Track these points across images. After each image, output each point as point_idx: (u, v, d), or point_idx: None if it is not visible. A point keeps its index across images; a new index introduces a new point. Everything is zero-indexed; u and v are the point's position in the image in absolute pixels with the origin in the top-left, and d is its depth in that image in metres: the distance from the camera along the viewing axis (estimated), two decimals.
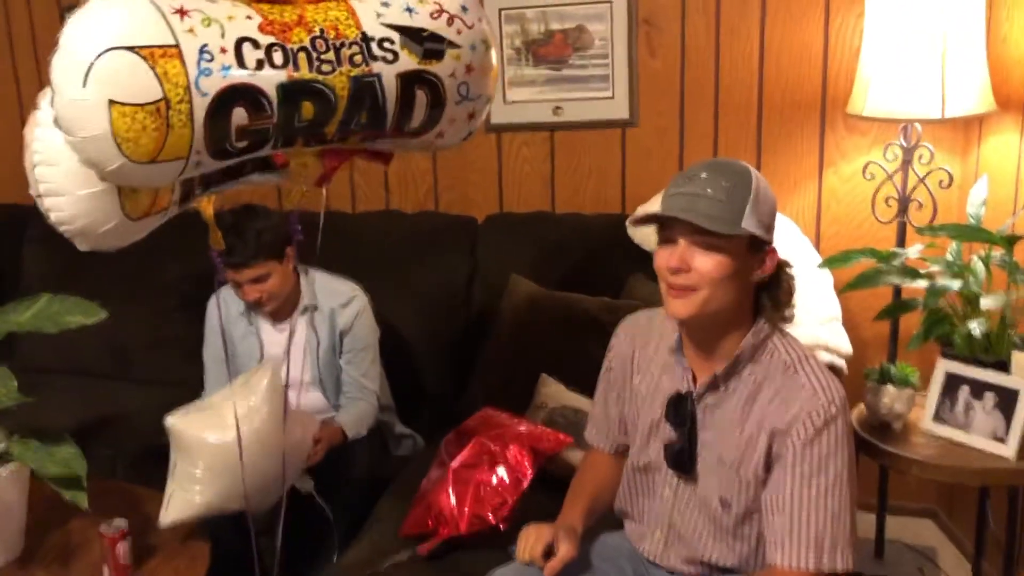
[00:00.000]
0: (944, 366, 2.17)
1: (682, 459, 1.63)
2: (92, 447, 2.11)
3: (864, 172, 2.63)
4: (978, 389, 2.09)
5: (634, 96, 2.92)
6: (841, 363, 2.44)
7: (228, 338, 2.49)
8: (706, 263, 1.49)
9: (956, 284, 2.15)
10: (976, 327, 2.10)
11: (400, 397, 2.73)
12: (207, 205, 1.69)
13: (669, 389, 1.66)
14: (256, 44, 1.34)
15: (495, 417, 2.15)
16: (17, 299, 2.06)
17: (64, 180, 1.37)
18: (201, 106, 1.29)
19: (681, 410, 1.63)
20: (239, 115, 1.33)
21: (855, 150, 2.75)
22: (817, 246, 2.78)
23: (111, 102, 1.24)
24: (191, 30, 1.30)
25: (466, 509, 1.90)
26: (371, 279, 2.65)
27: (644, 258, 2.70)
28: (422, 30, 1.51)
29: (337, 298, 2.49)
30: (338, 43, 1.42)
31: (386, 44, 1.47)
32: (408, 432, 2.68)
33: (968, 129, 2.64)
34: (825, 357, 2.41)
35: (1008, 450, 2.02)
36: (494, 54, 1.66)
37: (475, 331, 2.80)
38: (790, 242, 2.64)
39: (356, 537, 2.13)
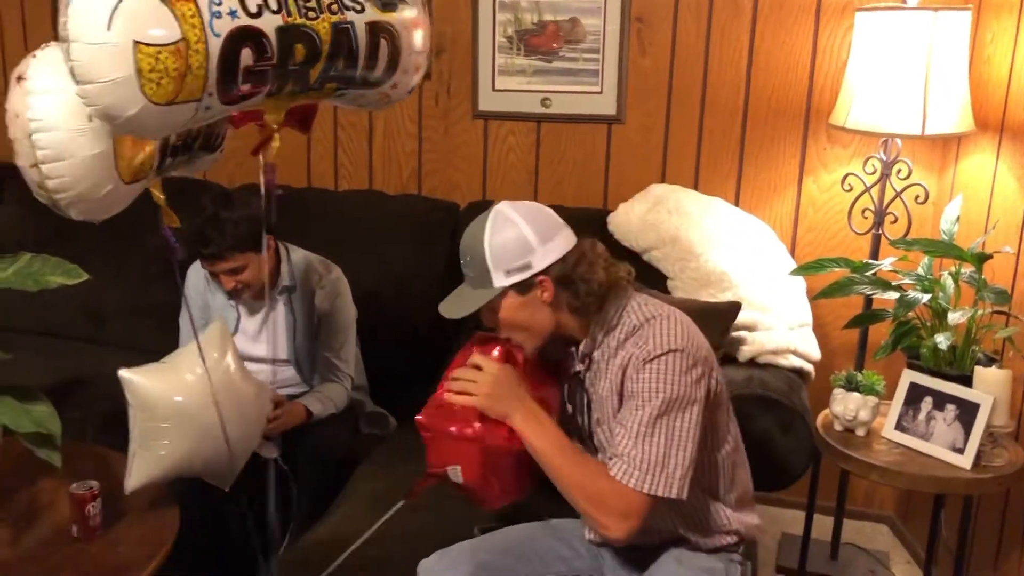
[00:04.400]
0: (909, 377, 2.22)
1: (578, 434, 1.78)
2: (62, 409, 2.09)
3: (843, 183, 2.68)
4: (940, 401, 2.15)
5: (622, 93, 2.95)
6: (809, 368, 2.49)
7: (206, 307, 2.49)
8: (493, 320, 1.72)
9: (925, 297, 2.20)
10: (942, 340, 2.16)
11: (373, 376, 2.75)
12: (156, 186, 1.72)
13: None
14: None
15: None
16: None
17: (66, 144, 1.37)
18: (215, 46, 1.35)
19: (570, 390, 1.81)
20: (246, 56, 1.40)
21: (835, 161, 2.81)
22: (792, 252, 2.84)
23: (136, 43, 1.27)
24: None
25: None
26: (350, 257, 2.66)
27: (623, 253, 2.74)
28: None
29: (316, 278, 2.50)
30: None
31: None
32: (380, 411, 2.70)
33: (946, 147, 2.70)
34: (794, 361, 2.46)
35: (965, 461, 2.08)
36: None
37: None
38: (765, 247, 2.70)
39: (326, 512, 2.15)
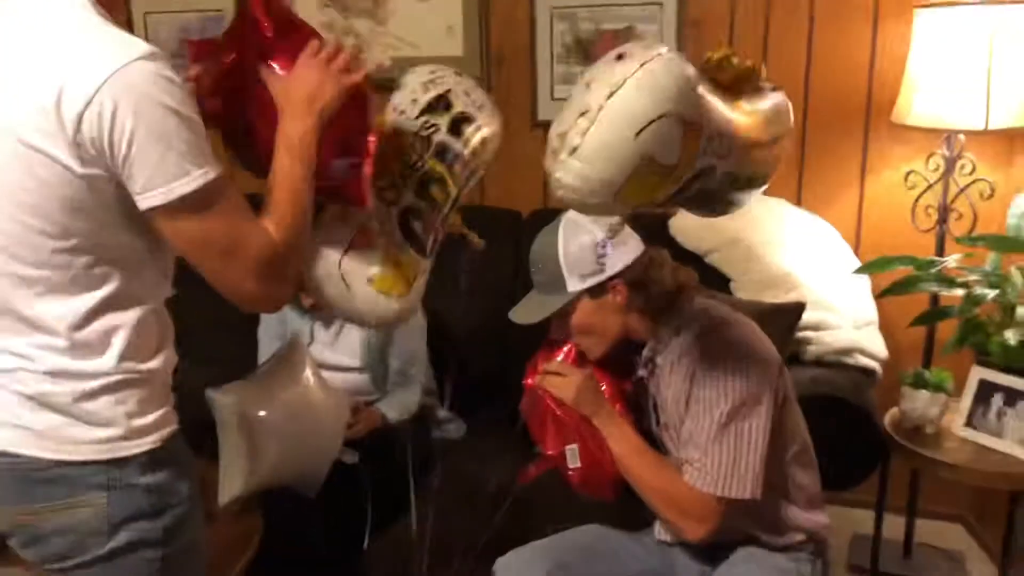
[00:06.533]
0: (978, 373, 2.21)
1: (651, 439, 1.80)
2: None
3: (905, 180, 2.67)
4: (1011, 397, 2.13)
5: None
6: (876, 367, 2.48)
7: (283, 320, 2.59)
8: (563, 326, 1.79)
9: (993, 293, 2.19)
10: (1012, 336, 2.14)
11: (442, 382, 2.81)
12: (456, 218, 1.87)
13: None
14: None
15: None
16: None
17: None
18: None
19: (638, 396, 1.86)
20: None
21: (897, 158, 2.79)
22: (856, 251, 2.82)
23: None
24: None
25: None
26: None
27: (685, 256, 2.77)
28: None
29: None
30: None
31: None
32: (450, 416, 2.77)
33: (1012, 141, 2.67)
34: (861, 360, 2.46)
35: None
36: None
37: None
38: (828, 246, 2.70)
39: (401, 513, 2.22)
